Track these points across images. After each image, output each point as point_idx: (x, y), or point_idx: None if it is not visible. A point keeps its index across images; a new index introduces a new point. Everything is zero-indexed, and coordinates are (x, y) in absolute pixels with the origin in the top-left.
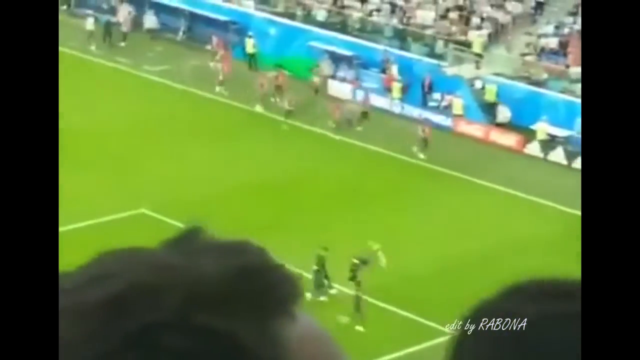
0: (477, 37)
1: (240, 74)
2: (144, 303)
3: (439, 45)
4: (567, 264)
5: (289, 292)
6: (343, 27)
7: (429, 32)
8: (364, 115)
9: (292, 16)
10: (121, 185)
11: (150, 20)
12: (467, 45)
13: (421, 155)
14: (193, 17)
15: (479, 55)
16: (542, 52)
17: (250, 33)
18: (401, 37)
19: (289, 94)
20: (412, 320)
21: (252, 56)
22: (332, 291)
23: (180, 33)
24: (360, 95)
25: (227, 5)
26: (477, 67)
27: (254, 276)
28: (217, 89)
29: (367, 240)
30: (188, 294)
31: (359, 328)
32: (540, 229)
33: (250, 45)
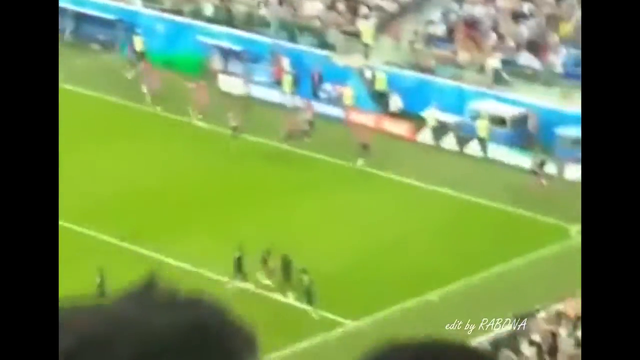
0: (365, 27)
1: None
2: (96, 357)
3: (328, 36)
4: (461, 249)
5: (240, 347)
6: (231, 22)
7: (317, 23)
8: (311, 124)
9: (179, 12)
10: None
11: None
12: (356, 35)
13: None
14: (79, 17)
15: (367, 45)
16: (430, 39)
17: (138, 31)
18: (290, 29)
19: (235, 109)
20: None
21: (140, 54)
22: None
23: (67, 33)
24: (302, 103)
25: (114, 3)
26: (366, 57)
27: (205, 332)
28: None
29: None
30: (139, 349)
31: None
32: (435, 216)
33: (138, 43)
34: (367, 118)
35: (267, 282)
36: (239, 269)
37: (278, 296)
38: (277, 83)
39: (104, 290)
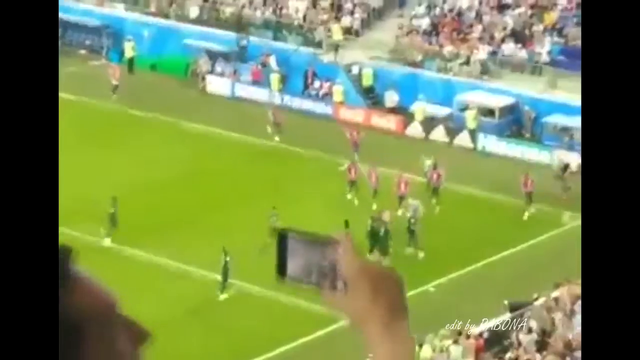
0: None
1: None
2: None
3: (314, 34)
4: (456, 240)
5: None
6: (217, 23)
7: (302, 22)
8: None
9: (165, 16)
10: None
11: None
12: (344, 32)
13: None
14: (65, 25)
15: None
16: (416, 33)
17: (129, 37)
18: (275, 28)
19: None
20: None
21: (130, 60)
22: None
23: None
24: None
25: (99, 9)
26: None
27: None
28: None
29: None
30: None
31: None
32: (428, 208)
33: (129, 48)
34: (356, 114)
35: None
36: (226, 271)
37: (274, 295)
38: (255, 83)
39: None
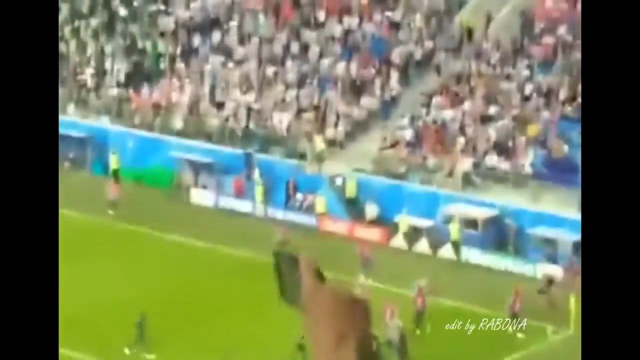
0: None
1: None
2: None
3: (298, 146)
4: (437, 352)
5: None
6: (201, 135)
7: (286, 133)
8: None
9: (149, 127)
10: None
11: None
12: (327, 143)
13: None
14: None
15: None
16: (399, 144)
17: (113, 149)
18: (259, 140)
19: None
20: None
21: (115, 172)
22: None
23: None
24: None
25: (83, 121)
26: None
27: None
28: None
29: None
30: None
31: None
32: (409, 321)
33: (113, 161)
34: (339, 226)
35: None
36: None
37: None
38: (238, 196)
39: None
